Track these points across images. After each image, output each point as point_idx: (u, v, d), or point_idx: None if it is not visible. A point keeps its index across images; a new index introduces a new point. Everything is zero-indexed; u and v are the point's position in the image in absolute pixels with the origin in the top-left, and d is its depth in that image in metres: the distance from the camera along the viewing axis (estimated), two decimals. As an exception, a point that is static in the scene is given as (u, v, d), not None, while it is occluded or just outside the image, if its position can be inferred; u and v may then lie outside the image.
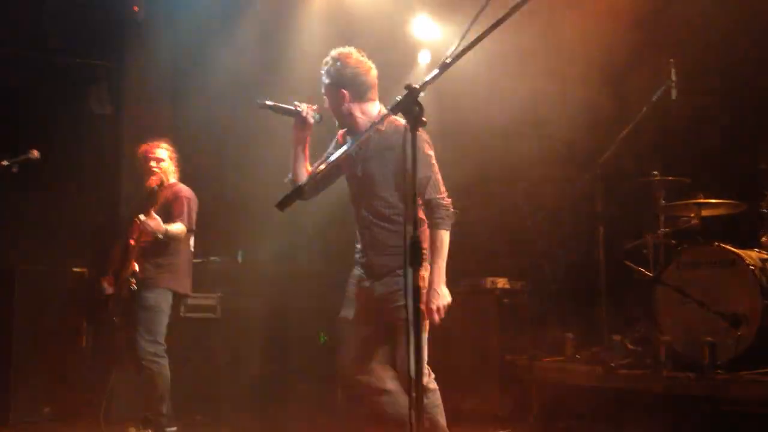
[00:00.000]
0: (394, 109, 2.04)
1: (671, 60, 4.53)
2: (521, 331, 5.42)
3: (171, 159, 4.71)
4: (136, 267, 4.42)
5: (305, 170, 3.24)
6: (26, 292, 5.35)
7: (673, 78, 4.53)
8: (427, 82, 2.06)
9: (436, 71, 2.16)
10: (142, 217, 4.27)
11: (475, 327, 5.30)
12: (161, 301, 4.46)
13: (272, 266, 6.25)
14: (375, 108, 3.23)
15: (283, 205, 2.05)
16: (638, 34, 5.07)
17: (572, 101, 5.34)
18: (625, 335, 4.76)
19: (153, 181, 4.48)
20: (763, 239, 4.41)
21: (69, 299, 5.49)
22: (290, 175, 3.28)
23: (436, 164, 3.17)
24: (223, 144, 6.55)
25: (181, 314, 5.18)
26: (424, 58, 6.69)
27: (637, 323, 4.87)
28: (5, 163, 4.32)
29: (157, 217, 4.31)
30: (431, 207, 3.10)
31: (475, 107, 6.22)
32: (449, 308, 5.37)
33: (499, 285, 5.41)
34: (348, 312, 3.26)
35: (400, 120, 3.08)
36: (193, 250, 4.74)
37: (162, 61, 6.24)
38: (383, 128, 3.09)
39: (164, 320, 4.47)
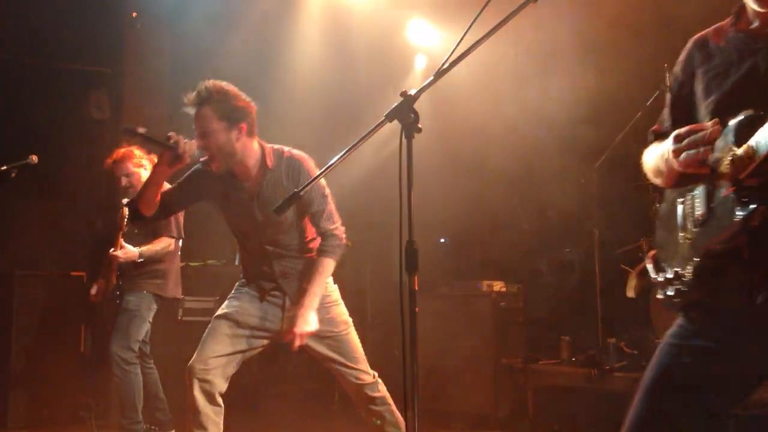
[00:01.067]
0: (389, 116, 2.06)
1: (666, 65, 4.57)
2: (517, 334, 5.46)
3: (142, 166, 4.61)
4: (117, 280, 4.44)
5: (154, 206, 3.15)
6: (25, 297, 5.37)
7: (668, 83, 4.57)
8: (422, 88, 2.09)
9: (431, 78, 2.20)
10: (111, 250, 4.32)
11: (471, 330, 5.33)
12: (142, 305, 4.43)
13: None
14: (256, 145, 3.17)
15: (281, 209, 2.08)
16: (634, 40, 5.11)
17: (568, 106, 5.39)
18: (620, 338, 4.80)
19: (122, 213, 4.44)
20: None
21: (67, 304, 5.51)
22: (134, 202, 3.18)
23: (329, 195, 3.22)
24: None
25: (179, 318, 5.20)
26: (420, 64, 6.74)
27: (632, 326, 4.90)
28: (4, 167, 4.33)
29: (127, 245, 4.34)
30: (324, 236, 3.17)
31: (471, 111, 6.26)
32: (445, 310, 5.49)
33: (495, 288, 5.44)
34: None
35: (288, 149, 3.22)
36: (179, 253, 4.71)
37: (161, 67, 6.28)
38: (273, 166, 3.14)
39: (142, 326, 4.43)
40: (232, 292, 3.33)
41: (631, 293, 4.60)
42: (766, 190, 1.54)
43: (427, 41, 6.54)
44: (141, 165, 4.58)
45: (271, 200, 3.07)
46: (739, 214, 1.56)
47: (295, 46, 6.23)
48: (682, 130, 1.69)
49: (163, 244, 4.46)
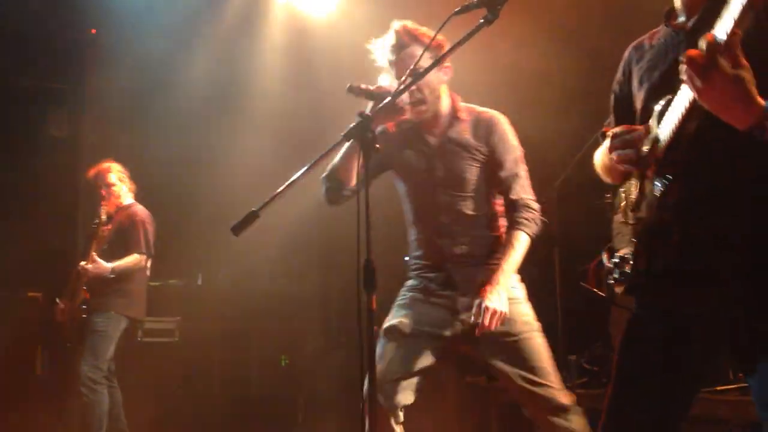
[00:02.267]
0: (347, 136, 2.07)
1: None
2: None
3: (122, 180, 4.66)
4: (87, 294, 4.38)
5: (354, 175, 2.75)
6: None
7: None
8: (378, 110, 2.12)
9: (389, 99, 2.22)
10: (83, 263, 4.27)
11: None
12: (110, 326, 4.40)
13: (232, 289, 6.23)
14: (447, 92, 2.85)
15: (238, 229, 2.07)
16: (596, 62, 5.21)
17: (531, 120, 5.45)
18: (580, 355, 4.83)
19: (100, 220, 4.41)
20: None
21: (23, 325, 5.39)
22: (332, 172, 2.81)
23: (523, 161, 2.82)
24: (183, 166, 6.54)
25: (139, 339, 5.12)
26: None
27: (592, 343, 4.95)
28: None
29: (99, 260, 4.29)
30: (518, 206, 2.74)
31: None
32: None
33: (458, 306, 5.46)
34: None
35: (484, 109, 2.86)
36: (149, 273, 4.70)
37: (121, 84, 6.22)
38: (463, 118, 2.79)
39: (110, 346, 4.40)
40: (399, 296, 2.89)
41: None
42: (680, 167, 1.67)
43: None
44: (122, 180, 4.60)
45: (455, 155, 2.75)
46: (657, 191, 1.70)
47: (257, 62, 6.21)
48: (617, 129, 1.82)
49: (134, 260, 4.43)
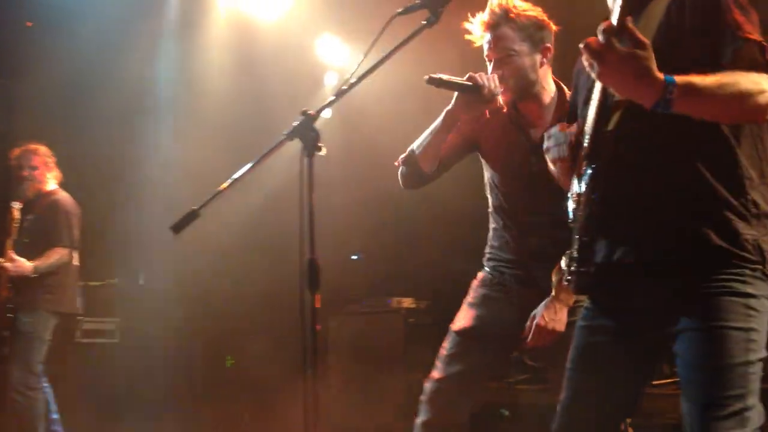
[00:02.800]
0: (290, 135, 2.06)
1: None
2: (426, 350, 5.51)
3: (47, 165, 4.46)
4: (9, 292, 4.20)
5: (436, 159, 2.63)
6: None
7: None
8: (322, 108, 2.11)
9: (332, 97, 2.21)
10: (1, 260, 4.10)
11: (381, 347, 5.36)
12: (39, 325, 4.20)
13: (176, 288, 6.12)
14: (552, 81, 2.62)
15: (178, 228, 2.03)
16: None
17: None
18: (523, 352, 4.92)
19: (13, 212, 4.21)
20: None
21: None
22: (412, 157, 2.66)
23: None
24: (126, 163, 6.39)
25: (77, 339, 4.99)
26: (330, 81, 6.76)
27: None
28: None
29: (18, 258, 4.11)
30: None
31: (385, 128, 6.33)
32: (355, 328, 5.49)
33: (405, 305, 5.50)
34: None
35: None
36: (77, 263, 4.50)
37: (58, 78, 6.03)
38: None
39: (42, 348, 4.20)
40: (471, 294, 2.76)
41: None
42: (602, 159, 1.75)
43: (337, 58, 6.57)
44: (47, 165, 4.40)
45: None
46: (585, 185, 1.78)
47: (200, 58, 6.12)
48: (550, 130, 1.90)
49: (57, 255, 4.25)
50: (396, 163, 2.78)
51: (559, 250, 2.35)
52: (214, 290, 6.28)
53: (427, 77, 2.39)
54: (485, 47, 2.56)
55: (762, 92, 1.60)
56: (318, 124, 2.16)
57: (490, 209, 2.80)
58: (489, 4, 2.54)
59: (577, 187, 1.86)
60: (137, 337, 5.70)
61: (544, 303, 2.50)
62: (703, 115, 1.62)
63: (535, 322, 2.49)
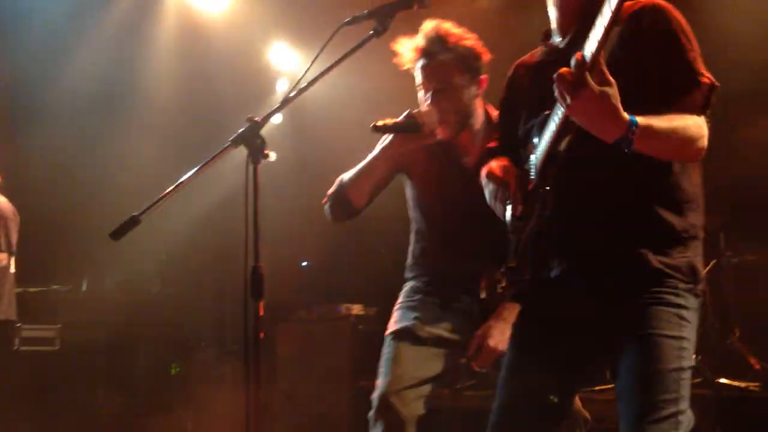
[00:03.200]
0: (235, 141, 2.05)
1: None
2: (375, 357, 5.52)
3: None
4: None
5: (367, 195, 2.61)
6: None
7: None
8: (268, 115, 2.11)
9: (278, 105, 2.22)
10: None
11: (330, 354, 5.34)
12: None
13: (120, 295, 6.00)
14: (480, 106, 2.58)
15: (117, 234, 2.00)
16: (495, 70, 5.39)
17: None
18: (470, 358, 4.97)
19: None
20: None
21: None
22: (341, 193, 2.61)
23: None
24: (68, 166, 6.24)
25: (15, 348, 4.84)
26: (282, 87, 6.73)
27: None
28: None
29: None
30: None
31: (333, 134, 6.33)
32: (304, 335, 5.45)
33: (354, 312, 5.49)
34: None
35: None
36: (13, 270, 4.38)
37: (1, 79, 5.87)
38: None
39: None
40: (401, 301, 2.70)
41: None
42: (554, 181, 1.81)
43: (289, 65, 6.55)
44: None
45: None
46: (537, 203, 1.84)
47: (149, 61, 6.02)
48: (488, 172, 1.99)
49: None
50: (323, 201, 2.73)
51: (492, 272, 2.33)
52: (160, 297, 6.17)
53: (372, 126, 2.38)
54: (419, 74, 2.51)
55: (702, 137, 1.72)
56: (269, 130, 2.16)
57: (417, 229, 2.75)
58: (422, 28, 2.48)
59: (526, 202, 1.91)
60: (78, 344, 5.55)
61: (487, 323, 2.49)
62: (653, 153, 1.70)
63: (479, 343, 2.47)
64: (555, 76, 1.58)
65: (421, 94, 2.54)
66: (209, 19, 5.83)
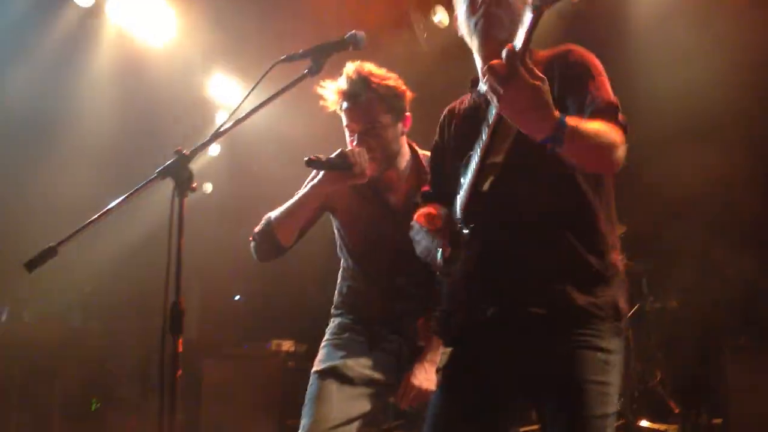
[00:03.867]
0: (162, 174, 2.02)
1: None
2: (304, 395, 5.45)
3: None
4: None
5: (296, 233, 2.59)
6: None
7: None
8: (197, 148, 2.08)
9: (207, 138, 2.20)
10: None
11: (258, 390, 5.25)
12: None
13: (40, 327, 5.75)
14: (405, 144, 2.61)
15: (33, 264, 1.93)
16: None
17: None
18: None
19: None
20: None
21: None
22: (268, 232, 2.59)
23: None
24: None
25: None
26: (222, 120, 6.67)
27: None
28: None
29: None
30: None
31: (272, 171, 6.31)
32: (232, 371, 5.33)
33: (284, 348, 5.42)
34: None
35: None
36: None
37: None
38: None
39: None
40: (327, 338, 2.67)
41: None
42: (478, 218, 1.85)
43: (229, 97, 6.53)
44: None
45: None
46: (462, 243, 1.88)
47: (85, 92, 5.86)
48: (416, 225, 2.03)
49: None
50: (250, 238, 2.71)
51: (417, 309, 2.49)
52: (80, 331, 5.95)
53: (306, 160, 2.38)
54: (344, 117, 2.54)
55: (622, 146, 1.74)
56: (208, 162, 2.14)
57: (344, 267, 2.76)
58: (345, 70, 2.51)
59: (453, 243, 1.94)
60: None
61: (415, 363, 2.51)
62: (578, 158, 1.69)
63: (407, 383, 2.48)
64: (485, 68, 1.56)
65: (347, 135, 2.56)
66: (150, 49, 5.77)
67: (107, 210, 2.00)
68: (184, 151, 2.05)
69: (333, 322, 2.75)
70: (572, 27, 4.94)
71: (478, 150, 1.80)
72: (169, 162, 2.04)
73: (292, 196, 2.66)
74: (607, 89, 1.84)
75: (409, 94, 2.57)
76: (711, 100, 5.06)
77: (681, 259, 5.43)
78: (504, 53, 1.53)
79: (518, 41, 1.54)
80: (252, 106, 2.17)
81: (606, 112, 1.76)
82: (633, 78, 5.15)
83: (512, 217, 1.86)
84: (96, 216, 2.01)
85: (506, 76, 1.52)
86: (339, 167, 2.40)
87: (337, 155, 2.42)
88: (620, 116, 1.80)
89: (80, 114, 5.78)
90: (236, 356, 5.46)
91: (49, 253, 1.92)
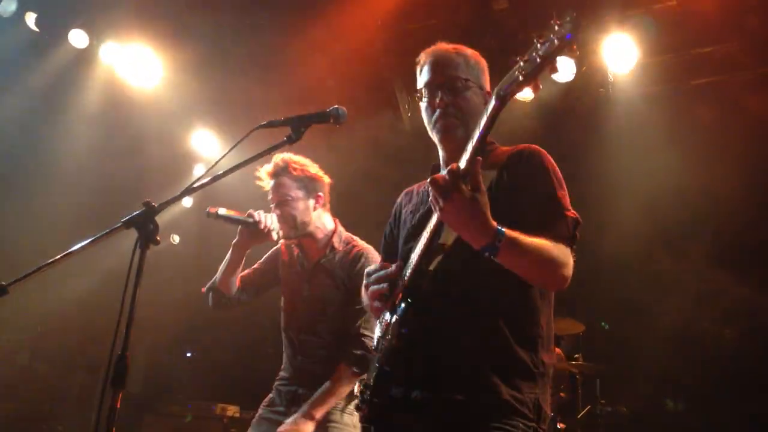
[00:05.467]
0: (127, 224, 2.00)
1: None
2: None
3: None
4: None
5: (233, 285, 3.07)
6: None
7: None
8: (165, 203, 2.08)
9: (178, 193, 2.20)
10: None
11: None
12: None
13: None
14: (329, 220, 3.11)
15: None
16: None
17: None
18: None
19: None
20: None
21: None
22: (213, 284, 3.08)
23: None
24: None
25: None
26: (199, 173, 6.69)
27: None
28: None
29: None
30: (354, 339, 2.81)
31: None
32: (175, 430, 5.14)
33: (229, 413, 5.26)
34: None
35: (359, 242, 3.07)
36: None
37: None
38: (337, 248, 3.02)
39: None
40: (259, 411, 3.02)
41: None
42: (421, 293, 1.86)
43: (210, 152, 6.57)
44: None
45: (321, 281, 2.98)
46: (398, 316, 1.87)
47: (70, 133, 5.85)
48: (370, 268, 2.01)
49: None
50: (203, 289, 3.15)
51: (326, 370, 2.81)
52: (26, 371, 5.74)
53: (207, 211, 2.81)
54: (270, 192, 3.05)
55: (567, 265, 1.79)
56: (176, 214, 2.14)
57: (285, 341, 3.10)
58: (273, 159, 3.02)
59: (388, 317, 1.93)
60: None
61: (295, 415, 2.74)
62: (518, 269, 1.77)
63: (284, 429, 2.70)
64: (429, 180, 1.67)
65: (271, 205, 3.04)
66: (137, 95, 5.82)
67: (68, 253, 1.96)
68: (153, 204, 2.05)
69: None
70: (550, 128, 5.12)
71: (429, 229, 1.83)
72: (136, 213, 2.03)
73: (255, 258, 3.10)
74: (563, 199, 1.88)
75: (325, 179, 3.09)
76: (676, 209, 5.21)
77: (634, 366, 5.45)
78: (447, 171, 1.65)
79: (464, 157, 1.67)
80: (229, 165, 2.19)
81: (557, 228, 1.80)
82: (605, 180, 5.30)
83: (453, 298, 1.86)
84: (55, 258, 1.97)
85: (447, 191, 1.64)
86: (241, 223, 2.90)
87: (246, 214, 2.92)
88: (568, 226, 1.83)
89: (58, 155, 5.75)
90: (178, 415, 5.28)
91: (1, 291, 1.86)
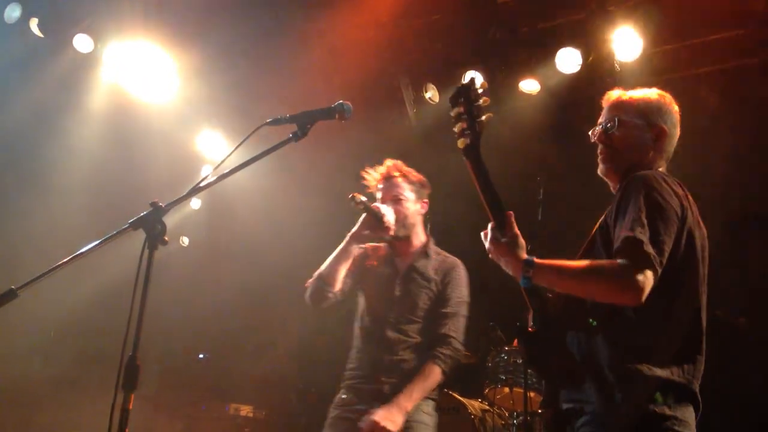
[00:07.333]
0: (134, 224, 1.99)
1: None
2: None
3: None
4: None
5: (341, 279, 3.01)
6: None
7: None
8: (172, 203, 2.07)
9: (184, 193, 2.19)
10: None
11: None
12: None
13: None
14: (423, 234, 3.21)
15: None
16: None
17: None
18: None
19: None
20: (487, 391, 4.77)
21: None
22: (317, 276, 3.00)
23: (466, 305, 3.06)
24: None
25: None
26: (206, 173, 6.67)
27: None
28: None
29: None
30: (441, 341, 2.91)
31: (248, 231, 6.29)
32: (188, 431, 5.17)
33: (242, 413, 5.28)
34: None
35: (445, 252, 3.18)
36: None
37: None
38: (432, 256, 3.12)
39: None
40: (329, 414, 2.99)
41: None
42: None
43: (216, 153, 6.56)
44: None
45: (415, 282, 3.04)
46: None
47: (78, 136, 5.86)
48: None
49: None
50: (306, 284, 3.08)
51: (413, 368, 2.87)
52: (39, 375, 5.76)
53: (351, 196, 2.86)
54: (380, 192, 3.15)
55: (617, 278, 1.92)
56: (185, 215, 2.14)
57: (356, 333, 3.11)
58: (385, 163, 3.18)
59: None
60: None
61: (383, 407, 2.75)
62: (564, 288, 2.08)
63: (374, 419, 2.70)
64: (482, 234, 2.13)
65: (381, 205, 3.07)
66: (142, 96, 5.82)
67: (76, 255, 1.96)
68: (160, 204, 2.04)
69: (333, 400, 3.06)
70: (557, 119, 5.07)
71: None
72: (144, 213, 2.02)
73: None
74: (635, 221, 1.98)
75: (429, 188, 3.20)
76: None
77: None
78: (489, 227, 2.11)
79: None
80: (236, 164, 2.19)
81: (623, 247, 1.95)
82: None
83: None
84: (64, 260, 1.97)
85: (490, 240, 2.11)
86: (372, 213, 2.95)
87: (373, 205, 2.98)
88: (629, 246, 1.93)
89: (66, 157, 5.77)
90: (193, 417, 5.29)
91: (10, 295, 1.86)
